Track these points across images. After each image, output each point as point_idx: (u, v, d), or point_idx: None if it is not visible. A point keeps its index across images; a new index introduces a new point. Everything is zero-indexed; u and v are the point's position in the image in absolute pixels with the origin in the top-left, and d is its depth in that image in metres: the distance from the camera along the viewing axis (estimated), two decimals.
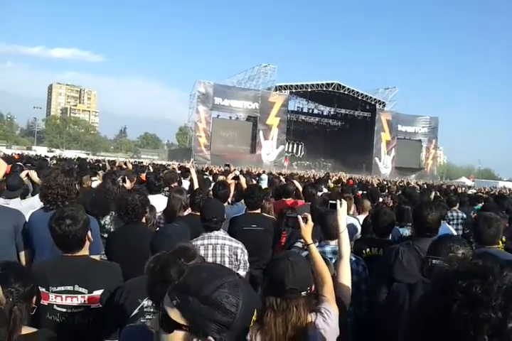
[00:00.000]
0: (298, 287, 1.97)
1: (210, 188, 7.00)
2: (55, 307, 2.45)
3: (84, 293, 2.48)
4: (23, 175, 5.63)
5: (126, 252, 3.28)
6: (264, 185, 10.28)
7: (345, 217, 2.74)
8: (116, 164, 13.20)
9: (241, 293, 1.08)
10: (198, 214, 4.28)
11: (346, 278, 2.56)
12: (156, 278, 1.66)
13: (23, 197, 5.43)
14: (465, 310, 0.75)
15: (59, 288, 2.45)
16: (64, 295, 2.46)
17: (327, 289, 2.24)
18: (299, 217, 2.68)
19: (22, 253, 3.43)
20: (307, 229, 2.62)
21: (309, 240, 2.56)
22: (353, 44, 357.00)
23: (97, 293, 2.50)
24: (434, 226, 3.16)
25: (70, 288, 2.47)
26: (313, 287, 2.09)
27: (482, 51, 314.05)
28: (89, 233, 2.64)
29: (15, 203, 4.68)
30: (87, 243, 2.65)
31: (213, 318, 1.03)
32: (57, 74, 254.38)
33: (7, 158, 10.99)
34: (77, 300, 2.47)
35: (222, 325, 1.04)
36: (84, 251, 2.63)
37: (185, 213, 4.76)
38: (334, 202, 2.81)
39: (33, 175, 5.82)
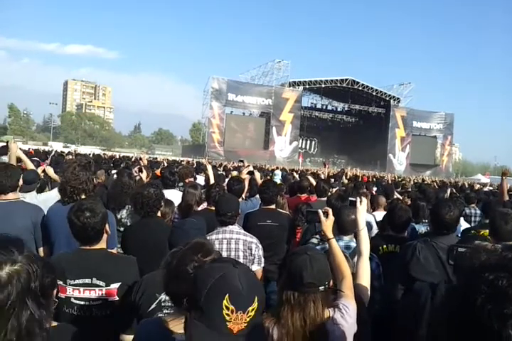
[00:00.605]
0: (316, 281, 1.95)
1: (224, 184, 7.03)
2: (72, 300, 2.47)
3: (101, 286, 2.49)
4: (39, 170, 5.69)
5: (142, 246, 3.29)
6: (277, 180, 10.26)
7: (365, 214, 2.71)
8: (132, 159, 13.28)
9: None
10: (214, 208, 4.31)
11: (365, 278, 2.52)
12: (173, 274, 1.67)
13: (41, 191, 5.50)
14: (490, 303, 0.73)
15: (76, 281, 2.47)
16: (82, 288, 2.47)
17: (346, 284, 2.23)
18: (320, 211, 2.67)
19: (41, 249, 3.46)
20: (328, 223, 2.61)
21: (330, 234, 2.54)
22: (368, 39, 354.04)
23: (115, 286, 2.51)
24: (452, 225, 3.13)
25: (87, 281, 2.48)
26: (331, 282, 2.08)
27: (499, 46, 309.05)
28: (107, 226, 2.65)
29: (30, 197, 4.75)
30: (105, 236, 2.66)
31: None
32: (72, 71, 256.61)
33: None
34: (95, 293, 2.49)
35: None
36: (102, 244, 2.65)
37: (200, 208, 4.77)
38: (354, 199, 2.78)
39: (50, 171, 5.88)
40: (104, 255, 2.65)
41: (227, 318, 1.11)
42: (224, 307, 1.11)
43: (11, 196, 3.53)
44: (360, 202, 2.69)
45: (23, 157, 5.85)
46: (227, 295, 1.12)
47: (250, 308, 1.13)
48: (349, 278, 2.28)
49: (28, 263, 1.16)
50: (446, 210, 3.11)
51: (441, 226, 3.11)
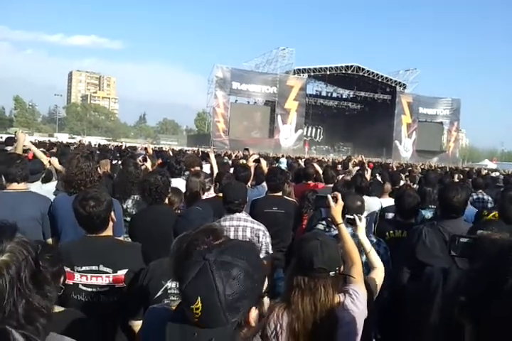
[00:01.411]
0: (326, 266, 1.95)
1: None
2: (80, 286, 2.50)
3: (109, 273, 2.52)
4: (45, 161, 5.70)
5: (149, 233, 3.30)
6: (283, 168, 10.23)
7: (365, 232, 2.63)
8: (138, 149, 13.29)
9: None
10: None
11: (379, 277, 2.53)
12: (182, 258, 1.66)
13: (47, 181, 5.52)
14: None
15: (84, 268, 2.50)
16: (89, 275, 2.50)
17: (356, 270, 2.22)
18: (329, 196, 2.65)
19: (49, 241, 3.48)
20: (337, 208, 2.59)
21: (339, 220, 2.53)
22: (373, 25, 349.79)
23: (122, 272, 2.53)
24: (460, 208, 3.11)
25: (94, 267, 2.51)
26: (341, 268, 2.07)
27: (506, 31, 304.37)
28: (112, 214, 2.67)
29: (36, 187, 4.78)
30: (111, 224, 2.68)
31: None
32: (76, 62, 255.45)
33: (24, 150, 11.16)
34: (102, 280, 2.52)
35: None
36: (108, 232, 2.67)
37: (204, 196, 4.76)
38: (352, 216, 2.69)
39: (55, 162, 5.88)
40: (111, 242, 2.67)
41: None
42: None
43: (21, 186, 3.57)
44: (360, 219, 2.65)
45: (33, 147, 5.87)
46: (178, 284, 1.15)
47: (193, 306, 1.07)
48: (359, 264, 2.27)
49: (18, 250, 1.13)
50: (454, 193, 3.09)
51: (449, 209, 3.09)
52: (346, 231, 2.46)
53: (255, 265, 1.18)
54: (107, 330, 2.49)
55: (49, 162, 5.88)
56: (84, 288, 2.50)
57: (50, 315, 1.21)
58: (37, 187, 4.78)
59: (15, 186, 3.54)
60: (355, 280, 2.14)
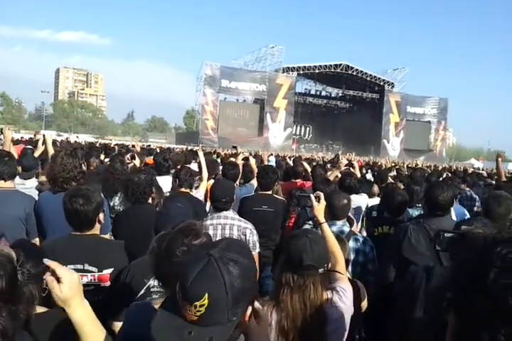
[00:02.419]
0: (316, 264, 1.96)
1: (219, 171, 7.00)
2: None
3: (94, 272, 2.49)
4: (40, 144, 5.53)
5: (132, 232, 3.28)
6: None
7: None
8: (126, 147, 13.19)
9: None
10: (184, 190, 4.39)
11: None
12: (162, 258, 1.64)
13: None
14: (503, 277, 0.74)
15: (69, 267, 2.45)
16: None
17: (340, 267, 2.23)
18: (312, 195, 2.64)
19: (36, 240, 3.42)
20: (320, 207, 2.58)
21: (322, 219, 2.52)
22: (362, 24, 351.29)
23: (107, 271, 2.50)
24: (446, 206, 3.13)
25: (79, 266, 2.47)
26: (329, 265, 2.08)
27: (493, 30, 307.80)
28: (100, 215, 2.63)
29: (31, 183, 4.73)
30: (98, 225, 2.64)
31: None
32: (65, 58, 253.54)
33: (16, 142, 11.02)
34: (87, 279, 2.48)
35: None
36: (95, 231, 2.63)
37: (193, 194, 4.74)
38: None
39: (48, 140, 5.55)
40: (96, 241, 2.64)
41: (180, 304, 1.07)
42: (177, 292, 1.08)
43: (7, 184, 3.51)
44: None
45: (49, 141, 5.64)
46: (178, 282, 1.09)
47: (197, 303, 1.03)
48: (342, 262, 2.29)
49: None
50: (440, 191, 3.10)
51: (435, 207, 3.11)
52: (329, 230, 2.47)
53: (253, 264, 1.18)
54: None
55: (43, 141, 5.55)
56: None
57: (13, 337, 1.15)
58: (32, 183, 4.74)
59: (1, 184, 3.48)
60: (340, 277, 2.15)
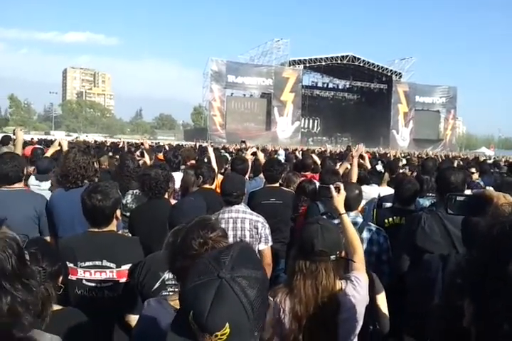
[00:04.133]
0: (327, 249, 1.98)
1: (227, 166, 7.02)
2: (83, 282, 2.50)
3: (112, 268, 2.52)
4: (56, 143, 5.56)
5: (149, 227, 3.30)
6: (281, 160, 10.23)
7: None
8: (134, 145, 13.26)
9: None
10: (208, 187, 4.37)
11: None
12: (178, 252, 1.65)
13: None
14: None
15: (87, 263, 2.50)
16: (93, 270, 2.50)
17: (358, 257, 2.23)
18: (331, 186, 2.65)
19: (48, 239, 3.46)
20: (340, 198, 2.58)
21: (342, 210, 2.53)
22: (368, 14, 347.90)
23: (125, 267, 2.54)
24: (458, 188, 3.10)
25: (98, 263, 2.51)
26: (343, 253, 2.09)
27: (501, 17, 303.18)
28: (118, 211, 2.66)
29: (46, 185, 4.77)
30: (115, 221, 2.68)
31: None
32: (72, 59, 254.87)
33: (26, 144, 11.11)
34: (106, 275, 2.52)
35: None
36: (112, 227, 2.66)
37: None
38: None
39: (64, 143, 5.58)
40: (114, 237, 2.68)
41: (196, 333, 0.98)
42: (190, 322, 0.98)
43: (16, 186, 3.50)
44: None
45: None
46: (192, 312, 0.98)
47: (218, 333, 0.95)
48: (360, 252, 2.29)
49: (0, 247, 1.12)
50: (451, 172, 3.12)
51: (447, 188, 3.07)
52: (349, 221, 2.47)
53: (264, 272, 1.10)
54: (110, 325, 2.50)
55: (59, 144, 5.57)
56: (87, 284, 2.50)
57: (37, 310, 1.20)
58: (47, 184, 4.78)
59: (9, 186, 3.45)
60: (357, 267, 2.16)
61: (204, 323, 0.96)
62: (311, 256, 1.99)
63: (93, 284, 2.51)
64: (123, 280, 2.54)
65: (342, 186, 2.65)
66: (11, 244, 1.15)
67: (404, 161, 9.64)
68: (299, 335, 1.97)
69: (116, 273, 2.53)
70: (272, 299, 1.76)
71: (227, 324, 0.95)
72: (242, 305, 0.97)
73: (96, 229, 2.60)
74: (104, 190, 2.57)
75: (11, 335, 1.11)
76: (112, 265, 2.52)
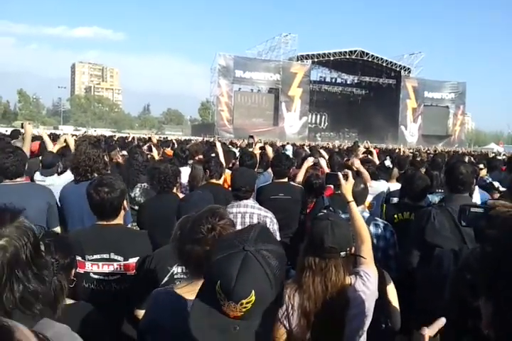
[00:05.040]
0: (337, 246, 1.96)
1: (235, 161, 7.01)
2: (91, 274, 2.51)
3: (120, 261, 2.53)
4: (61, 140, 5.61)
5: (157, 221, 3.31)
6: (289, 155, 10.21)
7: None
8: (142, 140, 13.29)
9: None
10: (215, 181, 4.37)
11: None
12: (187, 237, 1.66)
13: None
14: None
15: (95, 256, 2.51)
16: (100, 263, 2.51)
17: (366, 249, 2.21)
18: (340, 174, 2.63)
19: (57, 229, 3.47)
20: (348, 186, 2.56)
21: (350, 197, 2.50)
22: (376, 9, 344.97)
23: (133, 260, 2.54)
24: (467, 180, 3.07)
25: (105, 256, 2.52)
26: (353, 249, 2.07)
27: (510, 13, 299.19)
28: (125, 202, 2.67)
29: (51, 179, 4.79)
30: (122, 212, 2.69)
31: None
32: (80, 54, 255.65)
33: (35, 138, 11.19)
34: (114, 268, 2.53)
35: None
36: (119, 220, 2.67)
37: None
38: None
39: (70, 140, 5.65)
40: (121, 230, 2.68)
41: (221, 303, 1.03)
42: (217, 292, 1.04)
43: (18, 180, 3.50)
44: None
45: (45, 137, 5.81)
46: (219, 281, 1.03)
47: (244, 301, 1.01)
48: (368, 243, 2.25)
49: (17, 235, 1.14)
50: (460, 164, 3.11)
51: (456, 181, 3.04)
52: (356, 209, 2.44)
53: (282, 247, 1.16)
54: (118, 318, 2.51)
55: (65, 140, 5.64)
56: (95, 277, 2.51)
57: (49, 301, 1.22)
58: (53, 179, 4.79)
59: (12, 181, 3.46)
60: (365, 262, 2.13)
61: (231, 291, 1.01)
62: (321, 253, 1.97)
63: (101, 277, 2.51)
64: (130, 273, 2.54)
65: (350, 173, 2.64)
66: (27, 233, 1.17)
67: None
68: (307, 331, 1.95)
69: (124, 266, 2.53)
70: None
71: (253, 291, 1.01)
72: (266, 274, 1.04)
73: (104, 222, 2.61)
74: (109, 182, 2.58)
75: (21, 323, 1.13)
76: (119, 258, 2.53)
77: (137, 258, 2.55)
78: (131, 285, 2.52)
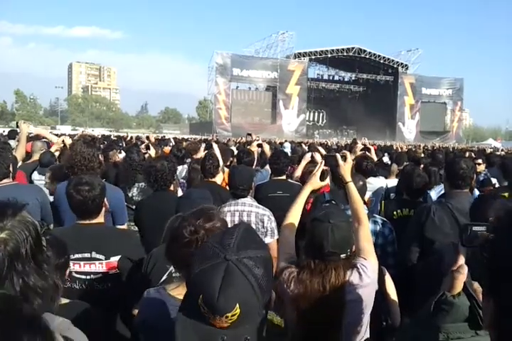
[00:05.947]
0: (337, 250, 1.93)
1: (232, 159, 6.99)
2: (73, 274, 2.47)
3: (101, 260, 2.51)
4: (59, 141, 5.58)
5: (155, 219, 3.28)
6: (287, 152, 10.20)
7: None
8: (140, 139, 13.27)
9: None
10: (211, 180, 4.37)
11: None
12: (171, 237, 1.69)
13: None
14: None
15: (76, 256, 2.47)
16: (82, 262, 2.49)
17: (363, 233, 2.15)
18: (338, 155, 2.61)
19: (51, 227, 3.46)
20: (346, 167, 2.54)
21: (348, 178, 2.48)
22: (373, 6, 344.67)
23: (114, 259, 2.52)
24: (467, 177, 3.07)
25: (87, 255, 2.49)
26: (353, 248, 2.03)
27: (509, 7, 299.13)
28: (105, 199, 2.66)
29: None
30: (103, 210, 2.67)
31: None
32: (78, 54, 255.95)
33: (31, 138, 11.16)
34: (95, 267, 2.50)
35: None
36: (100, 219, 2.66)
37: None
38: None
39: (68, 141, 5.63)
40: (102, 229, 2.67)
41: (206, 315, 0.99)
42: (199, 305, 0.99)
43: (5, 181, 3.43)
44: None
45: (45, 133, 5.77)
46: (201, 296, 0.99)
47: (229, 314, 0.97)
48: (366, 225, 2.21)
49: (18, 229, 1.14)
50: (459, 159, 3.11)
51: (456, 177, 3.03)
52: (355, 190, 2.41)
53: (268, 250, 1.12)
54: (105, 318, 2.49)
55: (63, 141, 5.62)
56: (77, 276, 2.48)
57: (48, 296, 1.21)
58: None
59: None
60: (363, 251, 2.07)
61: (215, 305, 0.97)
62: (321, 257, 1.94)
63: (83, 276, 2.49)
64: (113, 271, 2.52)
65: (348, 154, 2.63)
66: (29, 228, 1.17)
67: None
68: (301, 327, 1.93)
69: (106, 264, 2.51)
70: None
71: (237, 304, 0.97)
72: (250, 285, 1.00)
73: (85, 222, 2.59)
74: (89, 180, 2.57)
75: (21, 317, 1.12)
76: (101, 257, 2.50)
77: (119, 256, 2.52)
78: (122, 284, 2.50)
